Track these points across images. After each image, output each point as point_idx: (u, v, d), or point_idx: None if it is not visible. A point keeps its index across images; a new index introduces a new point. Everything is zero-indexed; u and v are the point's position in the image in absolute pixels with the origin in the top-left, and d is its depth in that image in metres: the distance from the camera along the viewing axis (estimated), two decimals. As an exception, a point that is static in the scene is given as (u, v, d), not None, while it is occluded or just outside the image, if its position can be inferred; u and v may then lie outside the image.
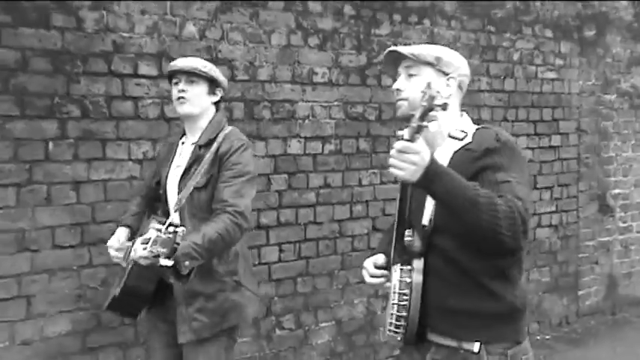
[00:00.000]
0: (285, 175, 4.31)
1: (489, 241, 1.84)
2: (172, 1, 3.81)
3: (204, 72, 2.75)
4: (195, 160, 2.72)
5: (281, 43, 4.26)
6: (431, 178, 1.81)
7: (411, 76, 2.12)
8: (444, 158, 1.99)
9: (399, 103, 2.14)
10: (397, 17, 4.79)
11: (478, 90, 5.27)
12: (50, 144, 3.45)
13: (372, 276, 2.20)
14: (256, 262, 4.16)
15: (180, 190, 2.72)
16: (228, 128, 2.79)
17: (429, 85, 1.80)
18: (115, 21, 3.64)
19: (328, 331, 4.53)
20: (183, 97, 2.74)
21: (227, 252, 2.67)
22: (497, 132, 2.02)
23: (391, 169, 1.83)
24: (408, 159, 1.79)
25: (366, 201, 4.70)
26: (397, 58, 2.17)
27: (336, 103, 4.52)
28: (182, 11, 3.86)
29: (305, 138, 4.39)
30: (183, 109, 2.76)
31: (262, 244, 4.22)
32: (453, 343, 2.01)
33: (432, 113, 1.75)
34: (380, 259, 2.22)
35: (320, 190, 4.47)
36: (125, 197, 3.58)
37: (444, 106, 1.77)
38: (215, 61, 3.82)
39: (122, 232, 2.87)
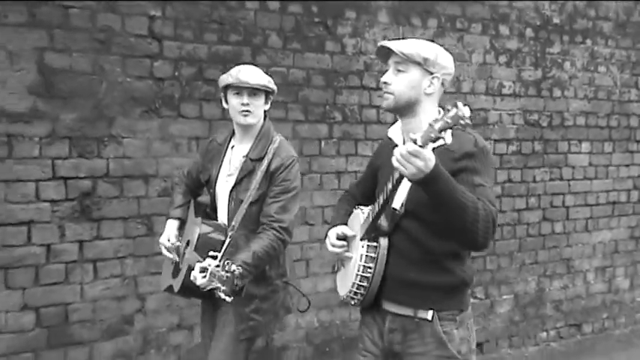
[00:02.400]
0: (480, 171, 5.19)
1: (466, 237, 2.05)
2: (404, 27, 4.75)
3: (271, 88, 2.89)
4: (246, 174, 2.83)
5: (479, 61, 5.15)
6: (430, 181, 1.95)
7: (399, 71, 2.23)
8: (432, 147, 2.10)
9: (386, 95, 2.25)
10: (566, 38, 5.61)
11: (628, 100, 6.03)
12: (322, 142, 4.43)
13: (332, 245, 2.39)
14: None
15: (230, 201, 2.87)
16: (277, 140, 2.89)
17: (455, 104, 1.89)
18: (366, 46, 4.59)
19: (508, 303, 5.39)
20: (248, 110, 2.84)
21: (279, 258, 2.85)
22: (476, 137, 2.19)
23: (397, 165, 1.96)
24: (415, 162, 1.92)
25: (538, 195, 5.53)
26: (388, 53, 2.26)
27: (517, 111, 5.37)
28: (411, 37, 4.79)
29: (494, 140, 5.26)
30: (247, 121, 2.85)
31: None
32: (409, 312, 2.21)
33: (449, 130, 1.88)
34: (345, 230, 2.39)
35: (504, 184, 5.33)
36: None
37: (464, 127, 1.89)
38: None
39: (172, 227, 3.01)
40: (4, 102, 3.38)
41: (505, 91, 5.30)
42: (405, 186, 2.17)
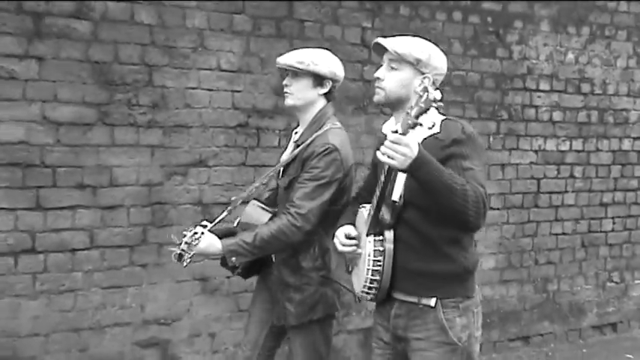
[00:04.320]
0: (619, 166, 5.68)
1: (458, 219, 2.10)
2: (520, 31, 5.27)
3: (299, 68, 2.71)
4: (293, 159, 2.77)
5: (623, 65, 5.62)
6: (417, 167, 2.01)
7: (392, 68, 2.29)
8: (414, 134, 2.13)
9: (378, 90, 2.31)
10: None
11: None
12: (491, 138, 5.00)
13: (343, 245, 2.39)
14: (598, 230, 5.55)
15: (279, 186, 2.86)
16: (325, 127, 2.73)
17: (425, 89, 1.94)
18: (529, 52, 5.13)
19: (640, 288, 5.89)
20: (286, 92, 2.77)
21: (314, 249, 2.71)
22: (463, 125, 2.24)
23: (382, 157, 2.03)
24: (399, 150, 1.99)
25: (671, 188, 5.98)
26: (384, 49, 2.31)
27: (655, 111, 5.84)
28: (566, 43, 5.30)
29: (634, 138, 5.73)
30: (286, 102, 2.79)
31: (602, 217, 5.61)
32: (414, 299, 2.26)
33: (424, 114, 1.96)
34: (351, 230, 2.40)
35: (645, 179, 5.80)
36: (529, 175, 5.10)
37: (439, 107, 1.97)
38: (581, 79, 5.27)
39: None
40: (255, 100, 4.06)
41: (645, 93, 5.77)
42: (401, 178, 2.22)
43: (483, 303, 4.98)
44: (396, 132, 2.02)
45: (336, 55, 2.59)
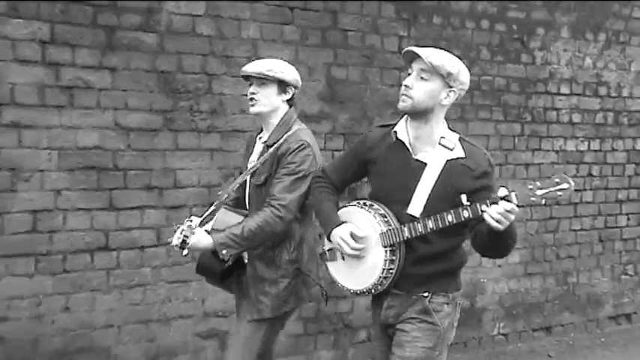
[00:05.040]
0: (634, 165, 5.98)
1: (500, 254, 2.46)
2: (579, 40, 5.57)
3: (269, 76, 2.83)
4: (263, 160, 2.87)
5: (637, 69, 5.92)
6: (511, 229, 2.21)
7: (422, 79, 2.31)
8: (436, 163, 2.31)
9: (404, 97, 2.33)
10: None
11: None
12: (516, 139, 5.29)
13: (353, 248, 2.43)
14: (614, 225, 5.86)
15: (250, 186, 2.94)
16: (294, 128, 2.88)
17: (568, 180, 2.12)
18: (551, 57, 5.42)
19: (652, 280, 6.20)
20: (253, 99, 2.87)
21: (289, 242, 2.83)
22: (487, 155, 2.38)
23: (493, 222, 2.14)
24: (510, 218, 2.15)
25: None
26: (413, 56, 2.34)
27: (666, 113, 6.15)
28: (584, 49, 5.60)
29: (647, 138, 6.06)
30: (252, 109, 2.89)
31: (617, 213, 5.91)
32: (408, 293, 2.42)
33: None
34: (356, 230, 2.44)
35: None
36: (550, 174, 5.38)
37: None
38: (598, 83, 5.58)
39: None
40: (303, 106, 4.32)
41: (657, 95, 6.08)
42: (423, 192, 2.33)
43: (509, 295, 5.36)
44: (510, 200, 2.13)
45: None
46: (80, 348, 3.65)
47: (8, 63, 3.41)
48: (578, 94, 5.59)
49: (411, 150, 2.38)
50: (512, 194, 2.13)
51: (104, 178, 3.69)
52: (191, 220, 2.71)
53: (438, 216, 2.27)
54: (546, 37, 5.38)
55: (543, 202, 2.09)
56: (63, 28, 3.54)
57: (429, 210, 2.28)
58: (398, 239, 2.34)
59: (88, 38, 3.61)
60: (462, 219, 2.24)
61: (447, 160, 2.19)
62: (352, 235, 2.42)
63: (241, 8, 4.06)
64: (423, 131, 2.35)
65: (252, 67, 2.86)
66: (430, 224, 2.29)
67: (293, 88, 2.92)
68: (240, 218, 2.85)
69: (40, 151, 3.51)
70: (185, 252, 2.70)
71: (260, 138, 2.99)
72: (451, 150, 2.28)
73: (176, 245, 2.69)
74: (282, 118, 2.88)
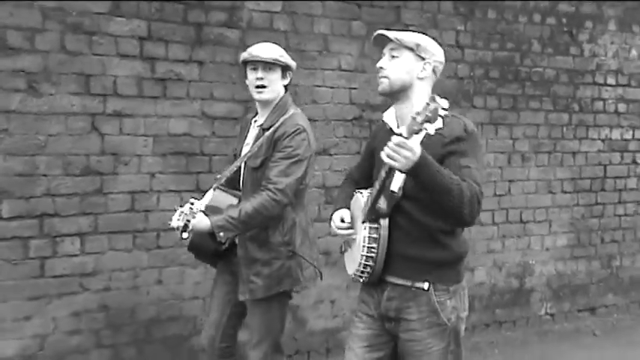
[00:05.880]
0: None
1: (453, 216, 2.22)
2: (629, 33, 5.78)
3: (282, 61, 2.89)
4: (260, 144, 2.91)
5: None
6: (418, 170, 2.09)
7: (393, 57, 2.36)
8: (415, 139, 2.14)
9: (381, 79, 2.37)
10: None
11: None
12: (564, 128, 5.53)
13: (338, 228, 2.50)
14: (629, 213, 6.08)
15: (245, 169, 2.98)
16: (290, 112, 2.92)
17: (433, 99, 2.00)
18: (598, 50, 5.64)
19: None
20: (262, 85, 2.89)
21: (282, 225, 2.89)
22: (466, 122, 2.32)
23: (385, 158, 2.09)
24: (402, 153, 2.05)
25: None
26: (383, 41, 2.40)
27: None
28: (630, 41, 5.81)
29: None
30: (261, 96, 2.91)
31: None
32: (407, 283, 2.36)
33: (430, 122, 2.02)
34: (346, 214, 2.50)
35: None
36: (596, 162, 5.63)
37: (443, 117, 2.04)
38: (622, 73, 5.79)
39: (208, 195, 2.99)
40: (368, 96, 4.62)
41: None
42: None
43: (556, 277, 5.62)
44: (400, 135, 2.07)
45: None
46: (171, 317, 4.00)
47: (111, 58, 3.75)
48: (624, 85, 5.80)
49: (394, 130, 2.38)
50: (402, 129, 2.13)
51: (192, 163, 4.02)
52: (192, 204, 2.76)
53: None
54: (594, 30, 5.60)
55: (425, 127, 2.02)
56: (158, 25, 3.87)
57: (407, 184, 2.26)
58: (373, 209, 2.33)
59: (180, 34, 3.94)
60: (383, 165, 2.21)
61: (427, 134, 2.13)
62: (341, 219, 2.50)
63: (314, 5, 4.35)
64: (406, 109, 2.34)
65: (264, 53, 2.88)
66: (386, 182, 2.26)
67: (291, 73, 2.99)
68: (233, 200, 2.94)
69: (137, 137, 3.85)
70: (185, 235, 2.74)
71: (255, 121, 3.04)
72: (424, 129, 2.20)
73: (177, 227, 2.73)
74: (278, 102, 2.93)
